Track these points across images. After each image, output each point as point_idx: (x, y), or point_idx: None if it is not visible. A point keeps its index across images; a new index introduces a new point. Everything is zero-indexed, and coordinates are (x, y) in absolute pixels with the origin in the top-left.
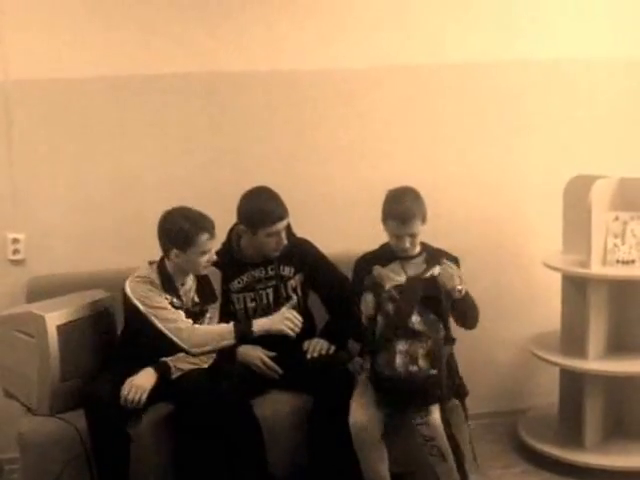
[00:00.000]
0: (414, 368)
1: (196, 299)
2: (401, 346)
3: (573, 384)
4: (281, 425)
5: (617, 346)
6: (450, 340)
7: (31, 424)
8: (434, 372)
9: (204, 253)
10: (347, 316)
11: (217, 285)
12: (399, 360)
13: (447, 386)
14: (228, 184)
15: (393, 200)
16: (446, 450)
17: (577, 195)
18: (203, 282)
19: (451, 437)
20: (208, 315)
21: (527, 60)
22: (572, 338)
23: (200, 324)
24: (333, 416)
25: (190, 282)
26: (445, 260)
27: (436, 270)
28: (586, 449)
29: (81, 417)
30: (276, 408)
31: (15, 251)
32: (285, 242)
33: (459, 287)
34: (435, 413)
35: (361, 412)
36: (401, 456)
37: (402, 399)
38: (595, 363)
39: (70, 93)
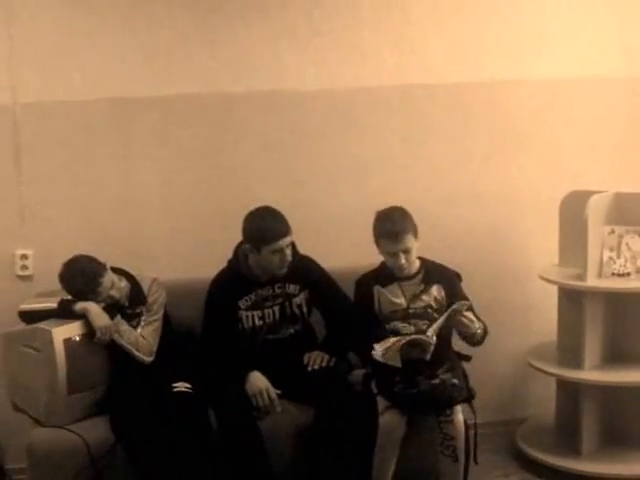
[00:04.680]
0: (436, 381)
1: (118, 297)
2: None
3: (569, 394)
4: (283, 436)
5: (612, 357)
6: (466, 357)
7: (40, 435)
8: (456, 381)
9: None
10: (347, 331)
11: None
12: (421, 380)
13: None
14: (230, 203)
15: (382, 219)
16: (460, 452)
17: (573, 210)
18: (135, 287)
19: (467, 440)
20: (143, 318)
21: (524, 79)
22: (568, 349)
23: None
24: (334, 427)
25: (118, 284)
26: (460, 306)
27: (434, 290)
28: (582, 457)
29: (88, 428)
30: (278, 420)
31: (23, 267)
32: (289, 259)
33: (476, 331)
34: (460, 413)
35: (391, 413)
36: (409, 460)
37: (428, 408)
38: (591, 373)
39: (76, 114)
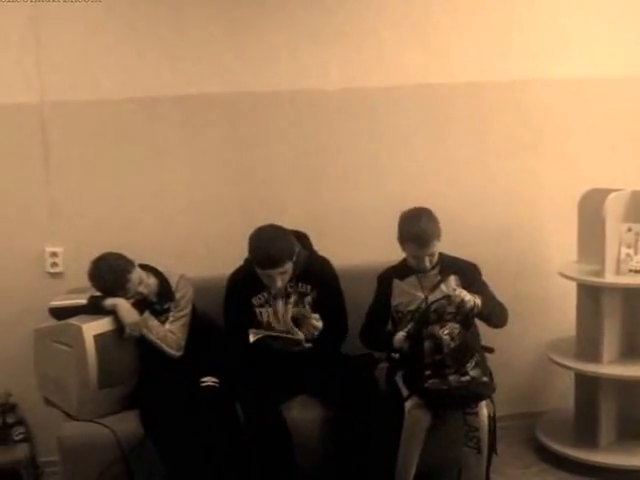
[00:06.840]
0: (466, 378)
1: (147, 293)
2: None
3: (588, 387)
4: (309, 428)
5: (630, 351)
6: (489, 349)
7: (71, 429)
8: (485, 379)
9: None
10: (331, 337)
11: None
12: (452, 377)
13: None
14: (254, 199)
15: (409, 223)
16: (484, 444)
17: (591, 207)
18: (163, 283)
19: (491, 433)
20: (171, 313)
21: (544, 79)
22: (587, 344)
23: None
24: (359, 422)
25: (147, 280)
26: (451, 284)
27: (452, 281)
28: (600, 449)
29: (118, 422)
30: (304, 411)
31: (53, 264)
32: (280, 286)
33: (472, 303)
34: (484, 407)
35: (418, 405)
36: (433, 451)
37: (456, 405)
38: (609, 367)
39: (103, 113)
